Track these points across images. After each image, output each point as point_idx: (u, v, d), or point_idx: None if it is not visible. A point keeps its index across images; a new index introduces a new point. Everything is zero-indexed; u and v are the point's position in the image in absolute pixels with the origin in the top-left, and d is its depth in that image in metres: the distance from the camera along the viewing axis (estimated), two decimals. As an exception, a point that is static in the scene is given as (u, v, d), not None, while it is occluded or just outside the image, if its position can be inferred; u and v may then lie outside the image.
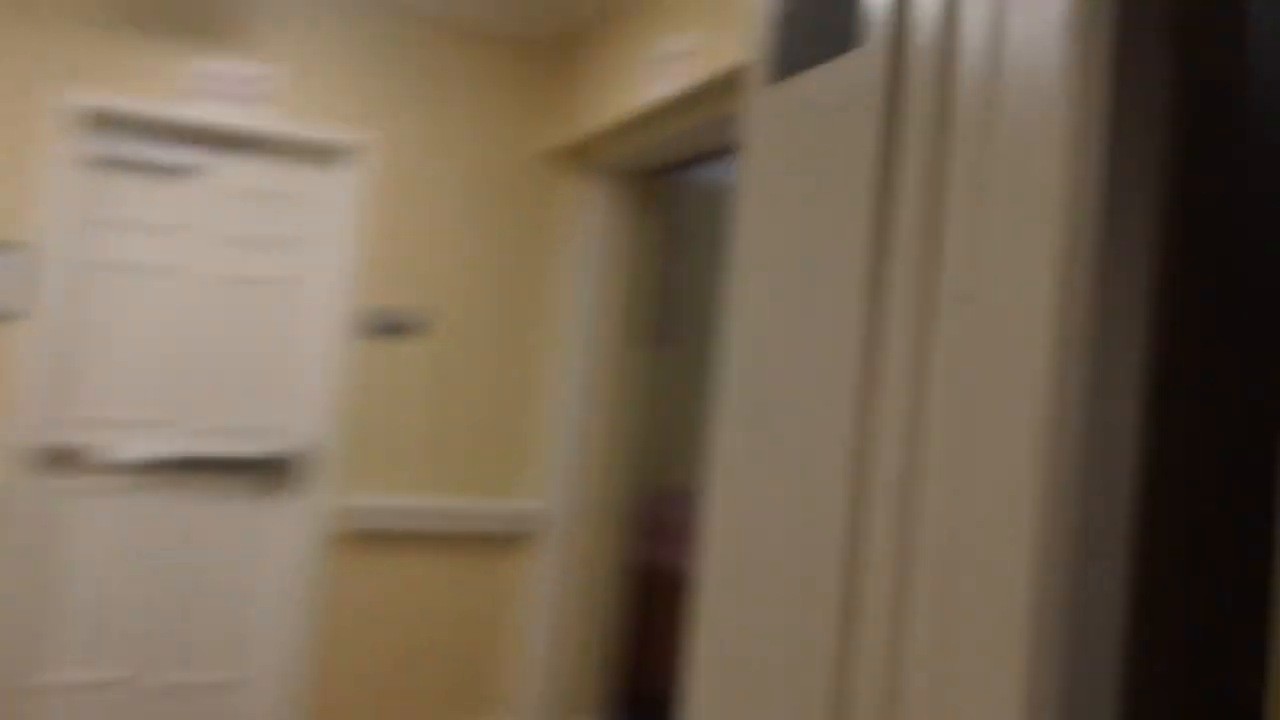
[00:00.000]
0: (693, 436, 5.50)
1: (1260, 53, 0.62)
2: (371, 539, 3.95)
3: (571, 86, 4.12)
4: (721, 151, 3.99)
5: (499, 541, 4.12)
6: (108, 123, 3.71)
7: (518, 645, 4.13)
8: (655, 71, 3.47)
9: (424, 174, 4.03)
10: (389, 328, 4.00)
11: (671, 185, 4.43)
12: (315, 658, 3.87)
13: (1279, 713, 0.55)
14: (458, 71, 4.08)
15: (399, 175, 3.99)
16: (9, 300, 3.53)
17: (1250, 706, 0.58)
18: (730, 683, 0.84)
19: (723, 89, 3.27)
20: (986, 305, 0.63)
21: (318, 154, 3.95)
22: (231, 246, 3.87)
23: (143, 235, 3.77)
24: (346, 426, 3.92)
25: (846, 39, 0.80)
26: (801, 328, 0.79)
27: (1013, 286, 0.61)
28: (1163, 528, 0.60)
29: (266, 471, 3.88)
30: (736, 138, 3.72)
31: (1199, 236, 0.61)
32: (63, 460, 3.66)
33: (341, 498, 3.90)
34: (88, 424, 3.70)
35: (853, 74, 0.79)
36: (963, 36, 0.70)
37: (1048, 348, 0.58)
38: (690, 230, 5.52)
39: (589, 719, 4.13)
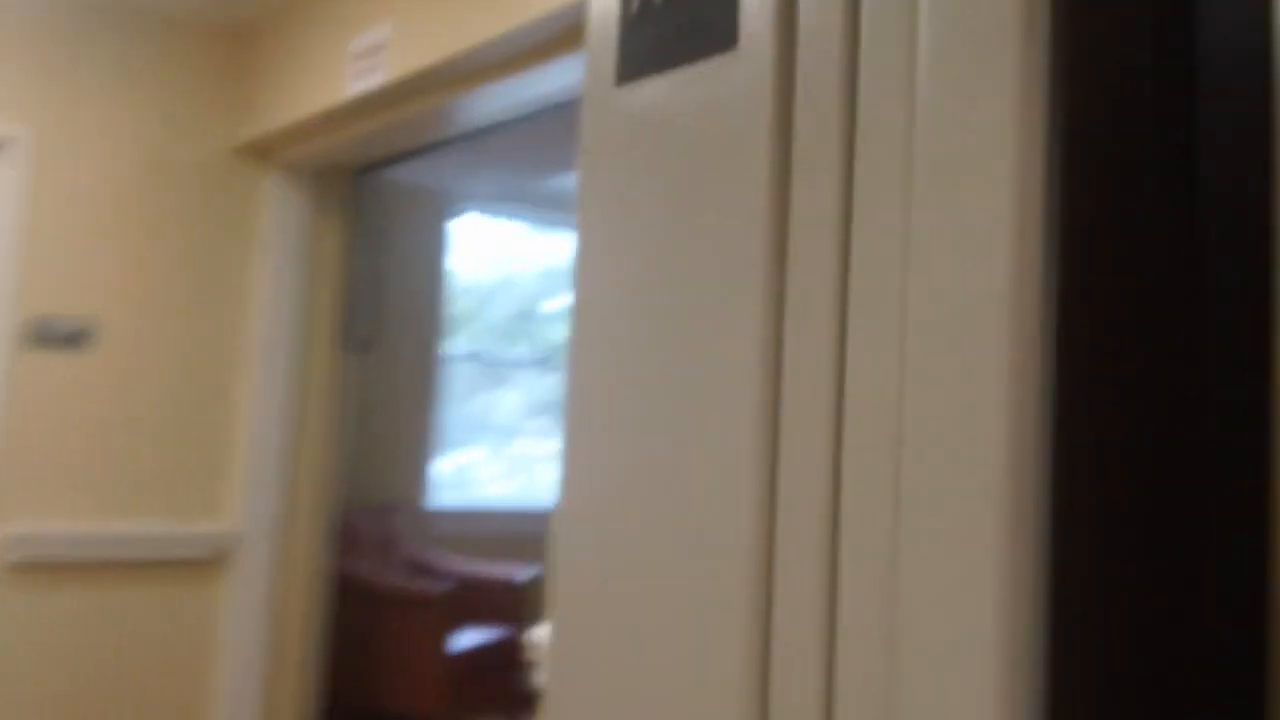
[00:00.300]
0: (398, 447, 5.37)
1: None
2: (40, 569, 3.59)
3: (260, 78, 3.91)
4: (420, 151, 3.90)
5: (192, 566, 3.84)
6: None
7: (217, 674, 3.87)
8: (350, 66, 3.35)
9: (93, 168, 3.70)
10: (54, 338, 3.65)
11: (369, 185, 4.30)
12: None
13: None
14: (130, 59, 3.78)
15: (63, 170, 3.65)
16: None
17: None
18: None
19: (421, 85, 3.20)
20: (913, 313, 0.62)
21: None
22: None
23: None
24: (11, 448, 3.54)
25: (717, 38, 0.75)
26: (672, 347, 0.73)
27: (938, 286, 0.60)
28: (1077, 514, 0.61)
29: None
30: (436, 136, 3.65)
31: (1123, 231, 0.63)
32: None
33: (5, 527, 3.52)
34: None
35: (733, 76, 0.74)
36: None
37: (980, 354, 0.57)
38: (388, 232, 5.38)
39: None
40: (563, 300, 6.35)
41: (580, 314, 0.80)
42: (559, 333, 6.33)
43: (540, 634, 2.14)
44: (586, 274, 0.81)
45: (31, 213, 3.60)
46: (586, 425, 0.79)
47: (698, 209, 0.73)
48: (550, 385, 6.20)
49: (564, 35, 2.69)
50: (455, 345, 5.75)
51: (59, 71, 3.65)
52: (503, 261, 6.13)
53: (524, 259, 6.24)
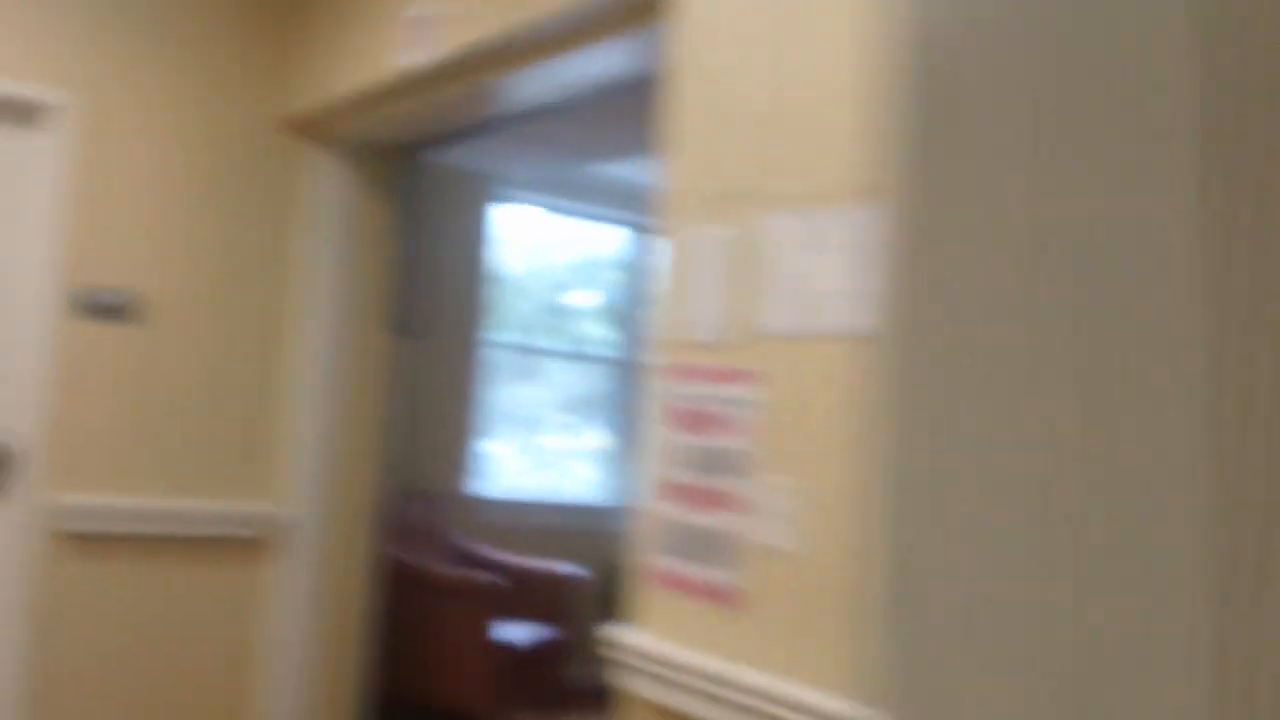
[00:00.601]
0: (440, 434, 5.27)
1: None
2: (92, 542, 3.51)
3: (310, 50, 3.81)
4: (465, 131, 3.80)
5: (238, 546, 3.75)
6: None
7: (263, 656, 3.78)
8: (404, 37, 3.24)
9: (138, 138, 3.61)
10: (104, 310, 3.57)
11: (413, 165, 4.20)
12: (35, 671, 3.40)
13: None
14: (178, 27, 3.69)
15: (108, 138, 3.57)
16: None
17: None
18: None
19: (475, 61, 3.09)
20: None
21: (9, 112, 3.48)
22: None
23: None
24: (57, 418, 3.47)
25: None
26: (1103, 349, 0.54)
27: None
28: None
29: (-54, 473, 3.38)
30: (483, 116, 3.54)
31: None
32: None
33: (55, 497, 3.44)
34: None
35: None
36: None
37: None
38: (431, 215, 5.28)
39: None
40: (593, 294, 6.24)
41: (938, 315, 0.62)
42: (590, 327, 6.22)
43: (622, 632, 2.03)
44: (942, 265, 0.62)
45: (76, 181, 3.52)
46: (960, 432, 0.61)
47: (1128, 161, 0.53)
48: (580, 379, 6.09)
49: (628, 8, 2.57)
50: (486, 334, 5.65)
51: (104, 38, 3.56)
52: (534, 250, 6.02)
53: (556, 248, 6.13)
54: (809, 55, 1.89)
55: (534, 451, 5.97)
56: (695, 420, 1.96)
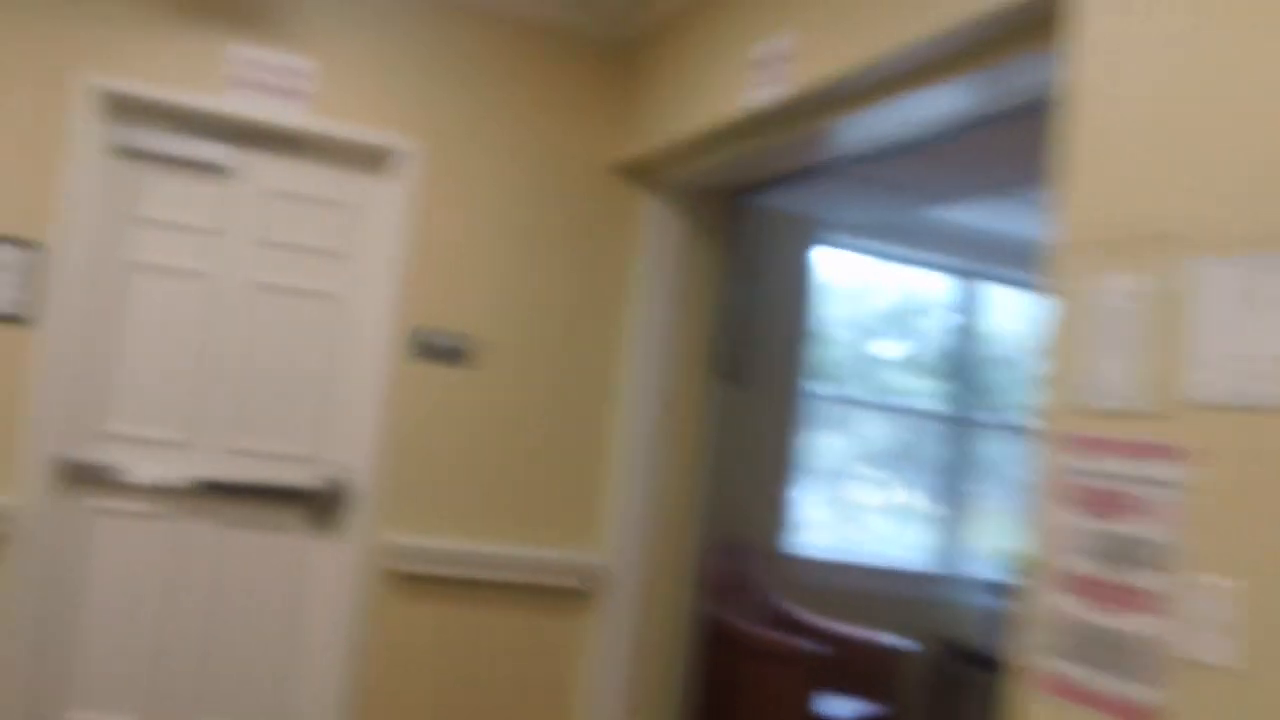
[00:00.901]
0: (756, 485, 5.11)
1: None
2: (418, 582, 3.56)
3: (646, 92, 3.76)
4: (797, 174, 3.63)
5: (559, 594, 3.71)
6: (134, 111, 3.37)
7: (579, 706, 3.72)
8: (748, 78, 3.11)
9: (478, 184, 3.67)
10: (439, 352, 3.63)
11: (742, 209, 4.07)
12: (357, 703, 3.48)
13: None
14: (517, 73, 3.73)
15: (450, 185, 3.64)
16: (19, 303, 3.18)
17: None
18: None
19: (823, 99, 2.91)
20: None
21: (361, 158, 3.61)
22: (267, 253, 3.53)
23: (171, 236, 3.43)
24: (391, 458, 3.55)
25: None
26: None
27: None
28: None
29: (304, 502, 3.51)
30: (818, 158, 3.36)
31: None
32: (81, 479, 3.31)
33: (385, 536, 3.52)
34: (107, 439, 3.35)
35: None
36: None
37: None
38: (757, 260, 5.15)
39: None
40: (909, 342, 5.90)
41: None
42: (903, 377, 5.88)
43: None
44: None
45: (417, 226, 3.60)
46: None
47: None
48: (890, 431, 5.75)
49: (1015, 29, 2.32)
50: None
51: (449, 88, 3.64)
52: (850, 295, 5.76)
53: (872, 294, 5.85)
54: (1255, 71, 1.58)
55: (838, 504, 5.68)
56: (1100, 501, 1.67)
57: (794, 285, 5.25)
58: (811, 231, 5.30)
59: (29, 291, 3.19)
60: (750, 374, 5.08)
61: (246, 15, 3.42)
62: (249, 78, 3.41)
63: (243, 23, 3.42)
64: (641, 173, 3.84)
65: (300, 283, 3.56)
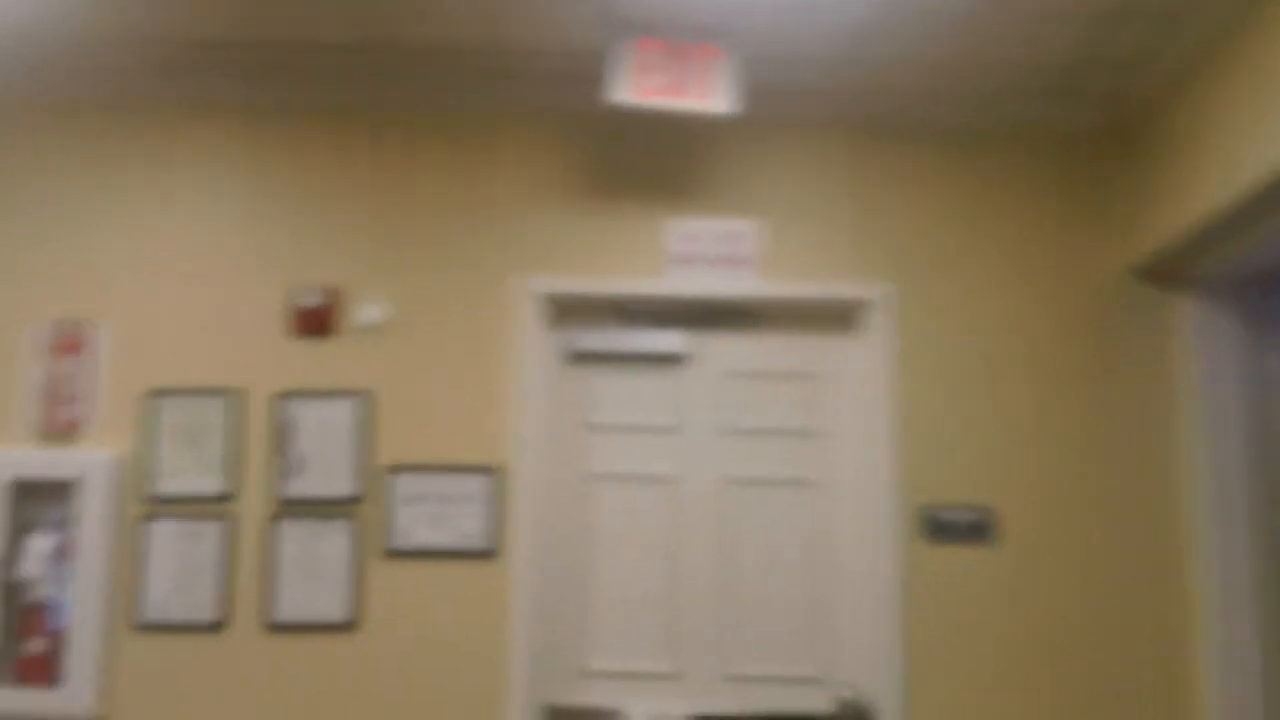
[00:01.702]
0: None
1: None
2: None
3: (1153, 169, 3.00)
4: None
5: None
6: (578, 311, 3.13)
7: None
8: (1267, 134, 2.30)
9: (964, 324, 3.05)
10: (949, 529, 2.97)
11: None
12: None
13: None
14: (988, 188, 3.13)
15: (931, 329, 3.05)
16: (488, 534, 2.93)
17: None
18: None
19: None
20: None
21: (825, 318, 3.14)
22: (732, 442, 3.10)
23: (627, 439, 3.09)
24: (917, 665, 2.89)
25: None
26: None
27: None
28: None
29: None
30: None
31: None
32: (561, 731, 2.95)
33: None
34: (591, 678, 2.98)
35: None
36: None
37: None
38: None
39: None
40: None
41: None
42: None
43: None
44: None
45: (900, 383, 3.02)
46: None
47: None
48: None
49: None
50: None
51: (907, 217, 3.11)
52: None
53: None
54: None
55: None
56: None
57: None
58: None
59: (493, 521, 2.93)
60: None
61: (685, 189, 3.11)
62: (689, 251, 3.07)
63: (681, 198, 3.11)
64: (1167, 269, 3.04)
65: (773, 471, 3.08)
